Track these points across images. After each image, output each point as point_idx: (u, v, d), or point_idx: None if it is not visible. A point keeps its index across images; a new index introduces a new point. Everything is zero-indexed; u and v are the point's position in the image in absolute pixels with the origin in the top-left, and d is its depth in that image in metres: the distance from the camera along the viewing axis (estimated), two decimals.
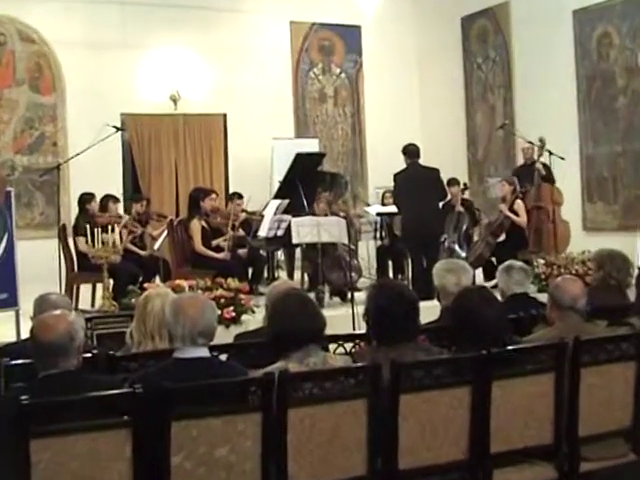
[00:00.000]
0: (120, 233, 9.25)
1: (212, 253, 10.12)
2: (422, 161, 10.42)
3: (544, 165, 10.99)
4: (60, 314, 3.85)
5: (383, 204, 12.34)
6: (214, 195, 10.71)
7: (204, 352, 3.99)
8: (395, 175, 10.33)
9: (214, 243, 10.21)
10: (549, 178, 11.08)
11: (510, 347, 4.28)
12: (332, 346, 4.88)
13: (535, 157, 11.16)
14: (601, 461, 4.43)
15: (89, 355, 4.27)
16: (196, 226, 10.16)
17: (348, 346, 4.93)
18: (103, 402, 3.52)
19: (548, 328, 4.83)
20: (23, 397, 3.35)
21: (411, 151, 10.30)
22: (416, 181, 10.14)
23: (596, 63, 12.78)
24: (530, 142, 11.33)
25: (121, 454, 3.47)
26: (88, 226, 8.86)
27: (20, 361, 4.24)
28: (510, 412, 4.19)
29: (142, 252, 10.55)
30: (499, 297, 5.84)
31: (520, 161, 12.60)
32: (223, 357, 4.52)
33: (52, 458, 3.35)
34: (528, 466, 4.31)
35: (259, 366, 4.06)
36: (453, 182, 11.84)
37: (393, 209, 11.02)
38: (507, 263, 5.95)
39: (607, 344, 4.48)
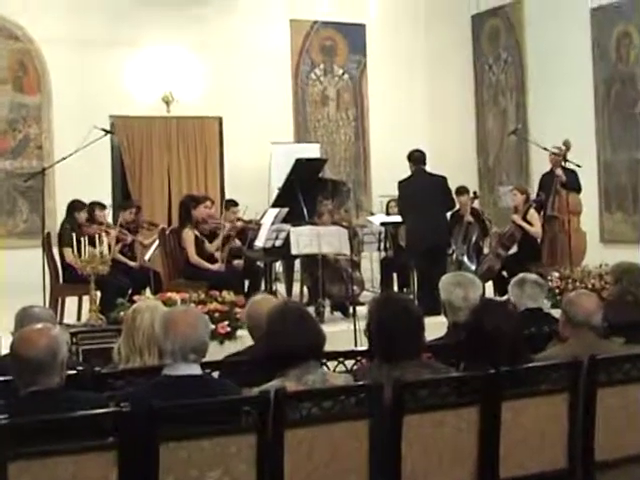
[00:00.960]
0: (109, 244, 9.22)
1: (207, 264, 10.11)
2: (429, 168, 10.44)
3: (570, 171, 10.89)
4: (42, 328, 3.83)
5: (387, 213, 12.34)
6: (208, 202, 10.67)
7: (196, 369, 3.97)
8: (399, 182, 10.34)
9: (209, 248, 10.21)
10: (575, 186, 10.98)
11: (522, 366, 4.25)
12: (332, 364, 4.86)
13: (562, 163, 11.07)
14: None
15: (74, 372, 4.25)
16: (189, 235, 10.15)
17: (349, 363, 4.92)
18: (87, 422, 3.50)
19: (561, 345, 4.82)
20: (1, 417, 3.34)
21: (417, 157, 10.30)
22: (421, 189, 10.14)
23: (615, 64, 12.79)
24: (557, 147, 11.14)
25: (106, 478, 3.44)
26: (74, 235, 8.84)
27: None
28: (521, 435, 4.18)
29: (132, 263, 10.54)
30: None
31: (534, 168, 12.60)
32: (215, 375, 4.50)
33: None
34: None
35: (253, 385, 4.04)
36: (462, 190, 11.82)
37: (398, 219, 11.02)
38: (520, 276, 5.95)
39: (624, 363, 4.46)
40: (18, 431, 3.36)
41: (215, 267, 10.14)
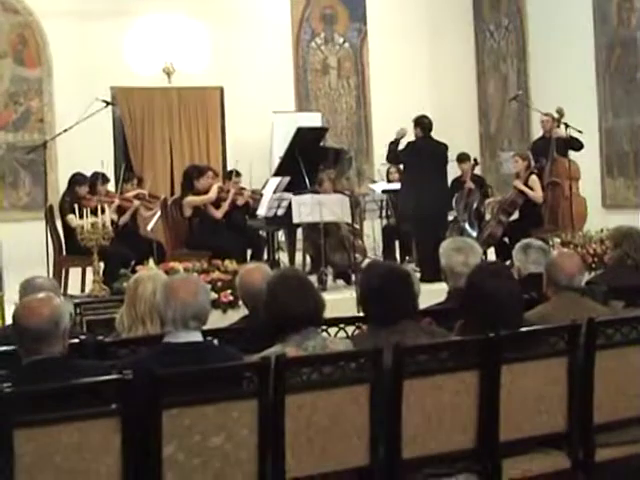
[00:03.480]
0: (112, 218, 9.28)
1: (212, 209, 10.36)
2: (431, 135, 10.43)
3: (571, 137, 10.91)
4: (43, 297, 3.86)
5: (389, 181, 12.35)
6: (211, 173, 10.72)
7: (196, 336, 4.01)
8: (406, 144, 10.29)
9: (215, 213, 10.32)
10: (576, 145, 11.01)
11: (519, 329, 4.28)
12: (333, 330, 4.90)
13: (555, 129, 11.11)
14: (616, 448, 4.44)
15: (76, 341, 4.30)
16: (192, 198, 10.23)
17: (350, 329, 4.95)
18: (90, 389, 3.53)
19: (544, 305, 4.89)
20: (5, 385, 3.37)
21: (424, 124, 10.27)
22: (427, 156, 10.13)
23: (616, 29, 12.72)
24: (548, 113, 11.27)
25: (110, 445, 3.48)
26: (76, 207, 8.87)
27: (2, 348, 4.26)
28: (520, 398, 4.20)
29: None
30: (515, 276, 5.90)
31: (535, 134, 12.59)
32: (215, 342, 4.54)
33: (36, 450, 3.36)
34: (540, 455, 4.32)
35: (253, 352, 4.07)
36: (464, 157, 11.85)
37: (399, 186, 11.02)
38: (525, 241, 5.97)
39: (623, 325, 4.48)
40: (22, 399, 3.40)
41: (218, 214, 10.35)
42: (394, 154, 10.54)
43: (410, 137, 10.49)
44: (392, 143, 10.52)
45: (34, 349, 3.69)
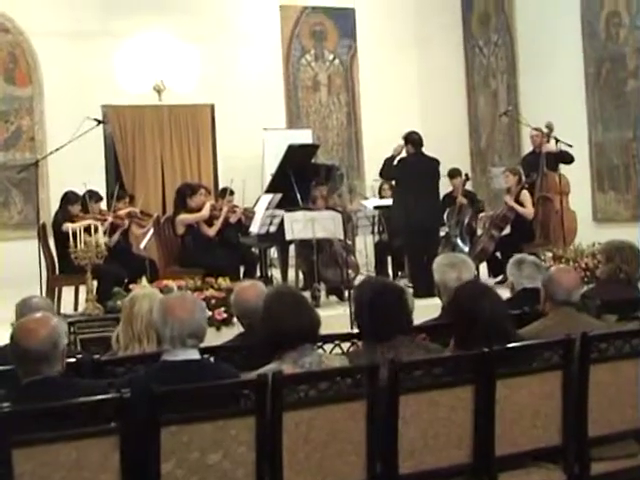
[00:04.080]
0: (104, 231, 9.29)
1: (205, 227, 10.42)
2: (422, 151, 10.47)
3: (561, 151, 10.97)
4: (41, 317, 3.88)
5: (381, 196, 12.40)
6: (203, 190, 10.76)
7: (194, 354, 4.04)
8: (398, 161, 10.32)
9: (207, 231, 10.36)
10: (567, 158, 11.07)
11: (514, 344, 4.32)
12: (329, 347, 4.93)
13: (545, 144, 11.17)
14: (611, 461, 4.48)
15: (73, 360, 4.31)
16: (184, 216, 10.27)
17: (345, 346, 4.98)
18: (89, 408, 3.55)
19: (542, 320, 4.94)
20: (4, 405, 3.39)
21: (415, 140, 10.29)
22: (419, 171, 10.17)
23: (604, 44, 12.83)
24: (537, 128, 11.34)
25: (108, 463, 3.50)
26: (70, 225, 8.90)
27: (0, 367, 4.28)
28: (516, 412, 4.23)
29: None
30: (508, 291, 5.95)
31: (526, 149, 12.66)
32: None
33: (34, 469, 3.38)
34: (535, 469, 4.35)
35: (250, 369, 4.10)
36: (454, 173, 11.91)
37: (390, 202, 11.06)
38: (519, 256, 6.04)
39: (616, 339, 4.52)
40: (21, 418, 3.41)
41: (211, 232, 10.42)
42: (388, 169, 10.57)
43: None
44: (388, 159, 10.56)
45: (34, 370, 3.71)
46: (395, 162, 10.43)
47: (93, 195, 10.61)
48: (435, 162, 10.32)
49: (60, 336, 3.78)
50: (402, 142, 10.48)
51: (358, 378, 3.93)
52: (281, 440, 3.76)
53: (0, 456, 3.34)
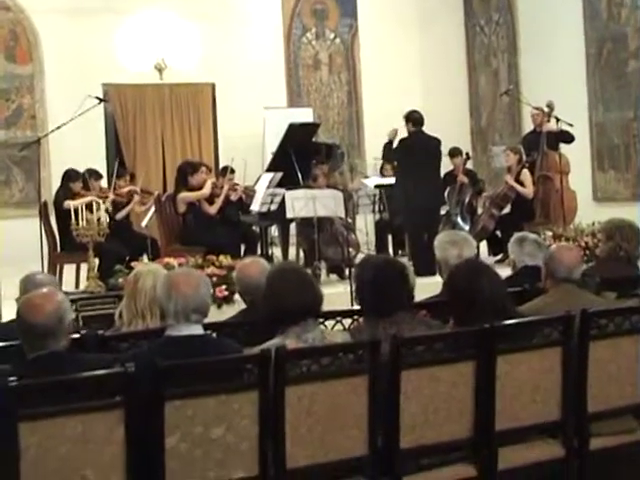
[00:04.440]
0: (106, 209, 9.33)
1: (206, 205, 10.44)
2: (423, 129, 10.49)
3: (561, 131, 10.98)
4: (47, 293, 3.91)
5: (382, 175, 12.41)
6: (204, 169, 10.79)
7: (198, 329, 4.08)
8: (400, 141, 10.34)
9: (209, 210, 10.38)
10: (567, 138, 11.10)
11: (514, 320, 4.35)
12: (330, 323, 4.97)
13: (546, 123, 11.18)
14: (610, 437, 4.52)
15: (77, 336, 4.34)
16: (186, 194, 10.30)
17: (347, 322, 5.02)
18: (94, 382, 3.59)
19: (543, 297, 4.98)
20: (10, 379, 3.42)
21: (416, 119, 10.28)
22: (420, 150, 10.18)
23: (606, 24, 12.81)
24: (538, 107, 11.35)
25: (113, 436, 3.54)
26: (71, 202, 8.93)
27: (4, 343, 4.31)
28: (516, 388, 4.27)
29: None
30: (508, 270, 5.99)
31: (526, 128, 12.67)
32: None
33: (41, 442, 3.42)
34: (535, 444, 4.40)
35: (253, 345, 4.14)
36: (455, 152, 11.93)
37: (392, 181, 11.08)
38: (520, 234, 6.09)
39: (616, 316, 4.56)
40: (27, 392, 3.44)
41: (212, 210, 10.45)
42: (389, 152, 10.62)
43: (402, 134, 10.52)
44: (387, 144, 10.60)
45: (39, 344, 3.74)
46: (396, 142, 10.45)
47: (93, 173, 10.66)
48: (436, 141, 10.34)
49: (66, 311, 3.82)
50: (395, 127, 10.52)
51: (360, 353, 3.96)
52: (284, 414, 3.80)
53: (7, 429, 3.37)
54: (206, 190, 10.45)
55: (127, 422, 3.56)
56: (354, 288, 4.70)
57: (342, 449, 3.95)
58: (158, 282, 4.36)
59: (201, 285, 4.13)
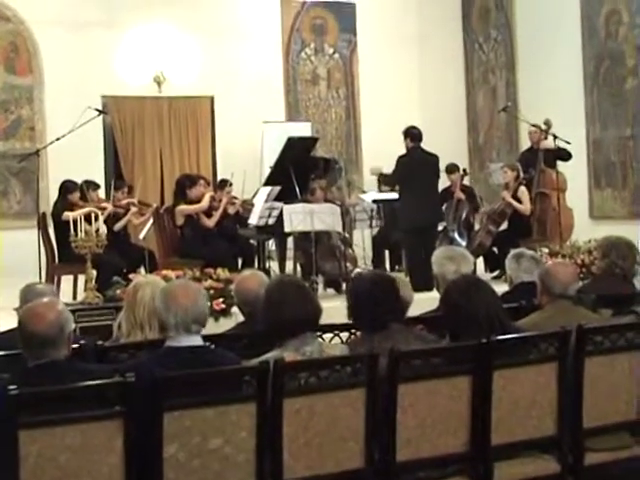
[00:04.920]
0: (105, 220, 9.36)
1: (205, 219, 10.48)
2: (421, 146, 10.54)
3: (559, 148, 11.03)
4: (48, 302, 3.95)
5: (380, 190, 12.46)
6: (202, 182, 10.83)
7: (197, 340, 4.12)
8: (399, 158, 10.35)
9: (207, 222, 10.42)
10: (564, 155, 11.14)
11: (511, 335, 4.39)
12: (328, 337, 4.99)
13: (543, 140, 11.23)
14: (605, 452, 4.55)
15: (76, 346, 4.37)
16: (184, 207, 10.33)
17: (344, 336, 5.05)
18: (94, 392, 3.62)
19: (539, 312, 5.02)
20: (10, 387, 3.44)
21: (414, 135, 10.30)
22: (419, 167, 10.21)
23: (604, 41, 12.88)
24: (535, 125, 11.39)
25: (112, 446, 3.57)
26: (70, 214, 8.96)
27: (4, 352, 4.34)
28: (512, 403, 4.30)
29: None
30: (505, 286, 6.03)
31: (524, 145, 12.72)
32: None
33: (40, 451, 3.44)
34: (530, 459, 4.43)
35: (251, 357, 4.15)
36: (452, 168, 11.95)
37: (390, 196, 11.12)
38: (517, 251, 6.13)
39: (612, 333, 4.59)
40: (27, 401, 3.47)
41: (210, 223, 10.49)
42: (387, 180, 10.74)
43: (400, 151, 10.54)
44: (380, 175, 10.72)
45: (40, 353, 3.77)
46: (397, 158, 10.49)
47: (90, 184, 10.69)
48: (434, 158, 10.37)
49: (67, 320, 3.85)
50: (378, 165, 10.59)
51: (358, 366, 4.00)
52: (281, 426, 3.83)
53: (7, 437, 3.40)
54: (204, 203, 10.48)
55: (126, 432, 3.59)
56: (347, 305, 4.72)
57: (339, 461, 3.98)
58: (156, 294, 4.39)
59: (198, 296, 4.18)
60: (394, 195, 11.00)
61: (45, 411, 3.47)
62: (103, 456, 3.57)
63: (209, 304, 7.94)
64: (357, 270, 10.75)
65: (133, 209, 10.74)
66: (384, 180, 11.23)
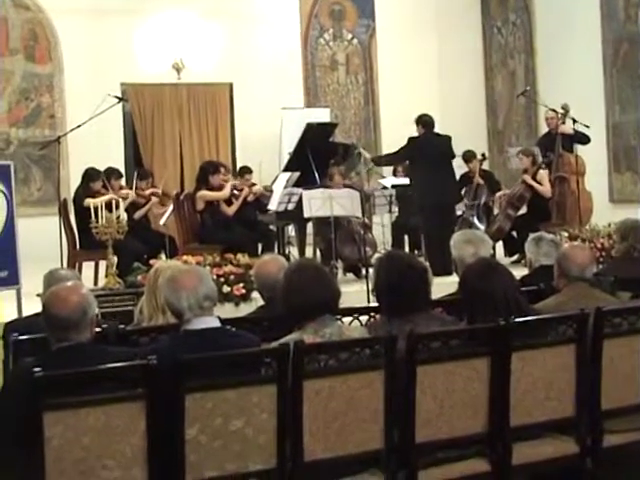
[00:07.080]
0: (126, 209, 9.43)
1: (224, 206, 10.51)
2: (440, 131, 10.52)
3: (577, 132, 11.02)
4: (72, 286, 4.00)
5: (395, 175, 12.49)
6: (223, 170, 10.88)
7: (214, 322, 4.15)
8: (410, 139, 10.36)
9: (227, 210, 10.45)
10: (583, 139, 11.14)
11: (529, 317, 4.41)
12: (347, 320, 5.03)
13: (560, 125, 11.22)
14: (623, 434, 4.57)
15: (99, 330, 4.42)
16: (205, 193, 10.38)
17: (363, 319, 5.08)
18: (116, 374, 3.68)
19: (556, 295, 5.02)
20: (36, 369, 3.50)
21: (426, 122, 10.31)
22: (432, 148, 10.21)
23: (623, 25, 12.81)
24: (553, 110, 11.38)
25: (135, 427, 3.63)
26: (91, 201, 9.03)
27: (28, 336, 4.40)
28: (530, 384, 4.33)
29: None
30: (524, 270, 6.05)
31: (543, 129, 12.70)
32: None
33: (64, 432, 3.50)
34: (549, 440, 4.46)
35: (271, 340, 4.20)
36: (470, 156, 11.88)
37: (407, 181, 11.13)
38: (537, 234, 6.14)
39: (630, 315, 4.61)
40: (52, 383, 3.52)
41: (230, 211, 10.54)
42: (396, 157, 10.77)
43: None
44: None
45: (64, 336, 3.83)
46: (409, 138, 10.48)
47: (113, 172, 10.73)
48: (446, 138, 10.36)
49: (90, 304, 3.90)
50: None
51: (377, 348, 4.03)
52: (301, 408, 3.87)
53: (31, 419, 3.46)
54: (226, 192, 10.52)
55: (149, 413, 3.63)
56: (372, 283, 4.72)
57: (358, 443, 4.01)
58: (162, 286, 4.38)
59: (203, 274, 4.25)
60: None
61: (69, 393, 3.52)
62: (126, 437, 3.61)
63: (229, 289, 8.10)
64: (379, 254, 10.79)
65: (154, 199, 10.81)
66: (378, 161, 11.28)
